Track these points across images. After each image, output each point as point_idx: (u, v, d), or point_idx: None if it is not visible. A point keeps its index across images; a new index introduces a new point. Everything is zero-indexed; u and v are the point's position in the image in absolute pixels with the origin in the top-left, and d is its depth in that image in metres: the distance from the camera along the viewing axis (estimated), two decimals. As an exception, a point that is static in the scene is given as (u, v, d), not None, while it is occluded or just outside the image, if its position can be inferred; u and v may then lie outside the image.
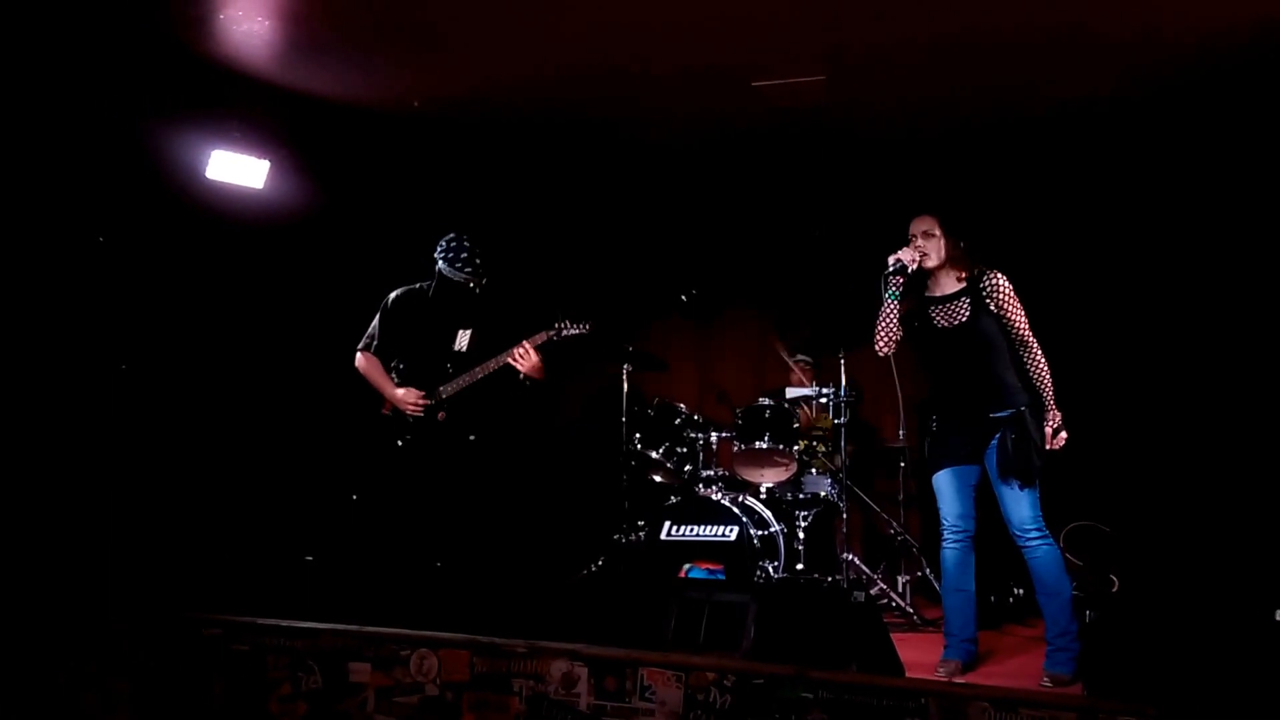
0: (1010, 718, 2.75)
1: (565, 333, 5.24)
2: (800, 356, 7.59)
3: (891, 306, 4.62)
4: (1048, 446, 4.53)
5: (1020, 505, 4.45)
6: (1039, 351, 4.58)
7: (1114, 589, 6.19)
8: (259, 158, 6.28)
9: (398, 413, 5.30)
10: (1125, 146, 6.82)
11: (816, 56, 5.77)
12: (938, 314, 4.66)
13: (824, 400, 6.93)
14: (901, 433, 7.22)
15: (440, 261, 5.28)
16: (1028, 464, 4.42)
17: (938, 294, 4.69)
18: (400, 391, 5.28)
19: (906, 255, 4.58)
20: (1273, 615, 3.33)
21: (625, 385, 7.08)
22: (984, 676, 4.70)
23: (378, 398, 5.39)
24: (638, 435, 6.76)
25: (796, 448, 6.49)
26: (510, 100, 6.48)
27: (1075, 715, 2.70)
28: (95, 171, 5.50)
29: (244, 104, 6.18)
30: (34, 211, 5.23)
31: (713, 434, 6.77)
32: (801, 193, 7.99)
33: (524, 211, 7.86)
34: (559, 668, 3.23)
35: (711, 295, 7.62)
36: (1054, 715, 2.72)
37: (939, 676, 4.50)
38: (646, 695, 3.13)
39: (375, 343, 5.43)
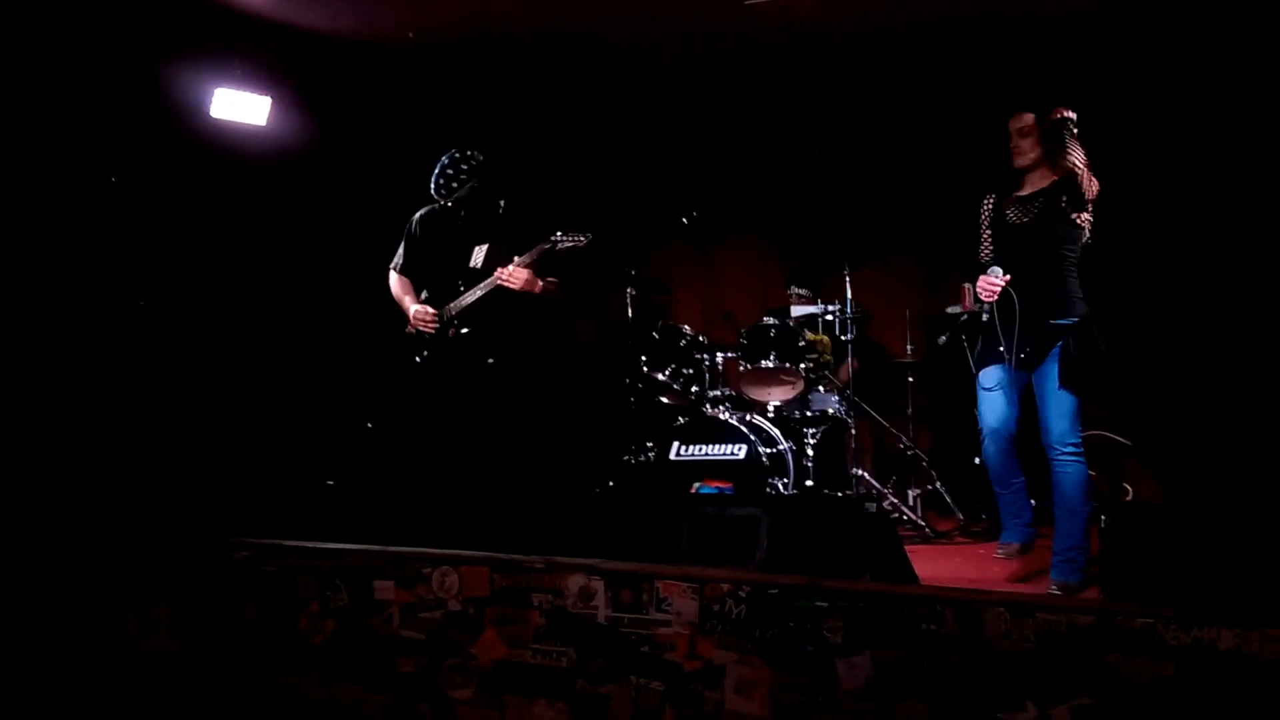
0: (1028, 623, 2.75)
1: (561, 245, 5.15)
2: (796, 289, 7.54)
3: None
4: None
5: (1063, 419, 4.41)
6: None
7: (1128, 497, 6.28)
8: (260, 95, 6.28)
9: (419, 331, 5.32)
10: (1127, 58, 6.70)
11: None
12: (1015, 211, 4.60)
13: (830, 318, 6.93)
14: (909, 347, 7.23)
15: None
16: (1090, 374, 4.37)
17: (1025, 192, 4.62)
18: (415, 309, 5.29)
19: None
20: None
21: (630, 309, 7.10)
22: (991, 583, 4.74)
23: (400, 317, 5.41)
24: (644, 358, 6.78)
25: (803, 365, 6.50)
26: (503, 26, 6.39)
27: (1093, 619, 2.70)
28: (105, 115, 5.52)
29: (244, 41, 6.16)
30: (51, 156, 5.28)
31: (718, 355, 6.78)
32: (801, 113, 7.93)
33: (524, 138, 7.81)
34: (576, 582, 3.27)
35: (713, 217, 7.59)
36: (1071, 619, 2.72)
37: (998, 556, 4.63)
38: (663, 607, 3.16)
39: (402, 262, 5.47)
